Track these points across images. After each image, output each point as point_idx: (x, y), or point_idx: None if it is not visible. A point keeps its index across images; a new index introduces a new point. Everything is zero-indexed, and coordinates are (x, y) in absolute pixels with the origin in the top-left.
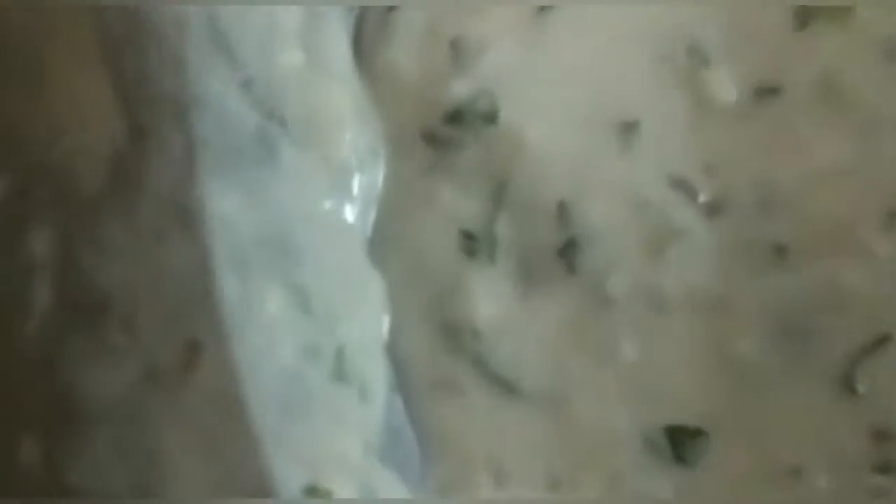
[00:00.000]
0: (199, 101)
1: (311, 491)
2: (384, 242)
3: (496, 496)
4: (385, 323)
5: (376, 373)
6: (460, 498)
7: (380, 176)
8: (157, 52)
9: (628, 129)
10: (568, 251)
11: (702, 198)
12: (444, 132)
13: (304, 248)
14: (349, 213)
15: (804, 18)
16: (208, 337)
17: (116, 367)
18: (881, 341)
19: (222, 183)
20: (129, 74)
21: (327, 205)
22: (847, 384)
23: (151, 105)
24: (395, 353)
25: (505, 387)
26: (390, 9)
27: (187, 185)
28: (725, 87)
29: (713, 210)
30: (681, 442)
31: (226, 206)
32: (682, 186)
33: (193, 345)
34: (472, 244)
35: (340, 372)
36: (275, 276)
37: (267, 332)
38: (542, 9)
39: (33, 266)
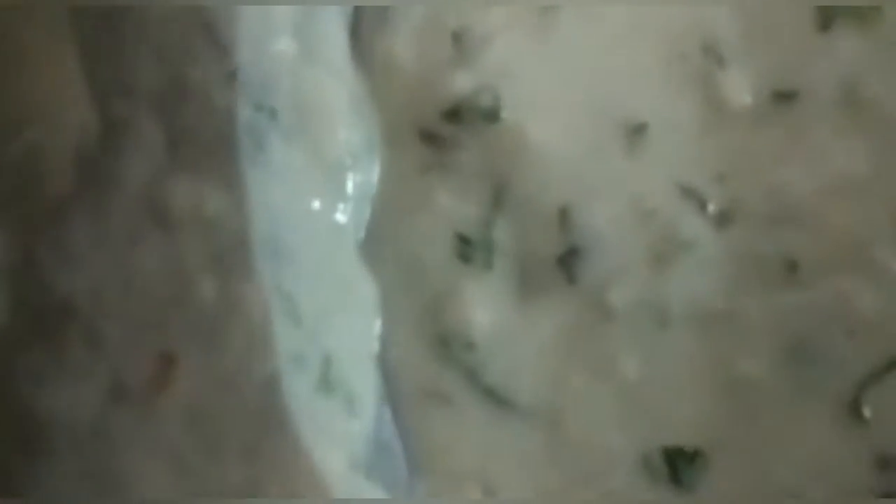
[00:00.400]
0: (180, 91)
1: None
2: (377, 244)
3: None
4: (376, 330)
5: (365, 383)
6: (451, 498)
7: (374, 174)
8: (136, 38)
9: (636, 131)
10: (568, 259)
11: (711, 207)
12: (442, 130)
13: (291, 249)
14: (341, 213)
15: (827, 19)
16: (184, 348)
17: (79, 385)
18: (892, 365)
19: (204, 180)
20: (103, 62)
21: (318, 204)
22: (853, 408)
23: (127, 95)
24: (384, 361)
25: (498, 400)
26: None
27: (165, 182)
28: (740, 90)
29: (722, 221)
30: (678, 463)
31: (207, 204)
32: (691, 194)
33: (166, 357)
34: (469, 249)
35: (327, 382)
36: (261, 279)
37: (249, 340)
38: None
39: None
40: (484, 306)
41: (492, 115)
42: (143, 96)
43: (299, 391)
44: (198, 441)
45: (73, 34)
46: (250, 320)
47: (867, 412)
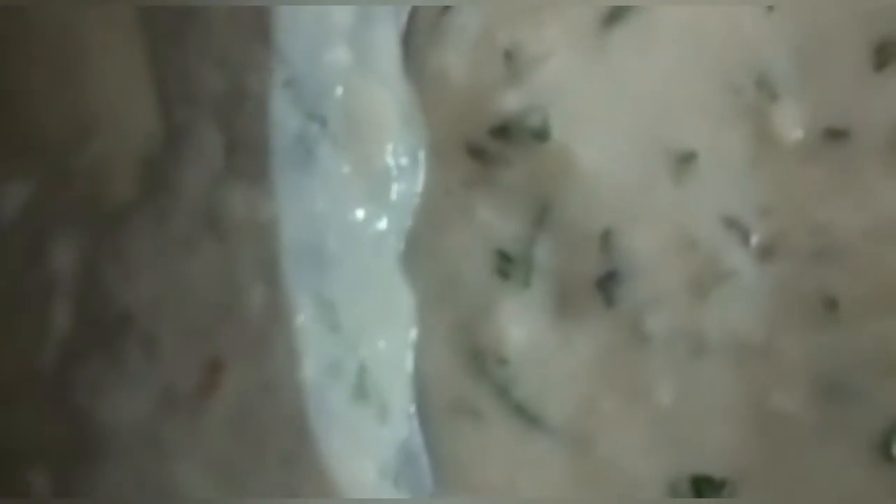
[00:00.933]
0: (239, 98)
1: None
2: (417, 256)
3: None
4: (411, 340)
5: (398, 392)
6: (461, 498)
7: (418, 185)
8: (201, 45)
9: (685, 160)
10: (607, 283)
11: (754, 240)
12: (489, 146)
13: (335, 257)
14: (384, 223)
15: (883, 58)
16: (231, 355)
17: (134, 392)
18: None
19: (256, 187)
20: (170, 68)
21: (361, 213)
22: (883, 449)
23: (190, 102)
24: (417, 371)
25: (528, 417)
26: (444, 11)
27: (221, 189)
28: (792, 125)
29: (765, 254)
30: (706, 493)
31: (259, 211)
32: (735, 226)
33: (215, 364)
34: (508, 265)
35: (361, 390)
36: (304, 287)
37: (291, 348)
38: (607, 23)
39: (53, 283)
40: (519, 323)
41: (540, 135)
42: (205, 103)
43: (335, 398)
44: (241, 447)
45: (142, 41)
46: (293, 328)
47: None
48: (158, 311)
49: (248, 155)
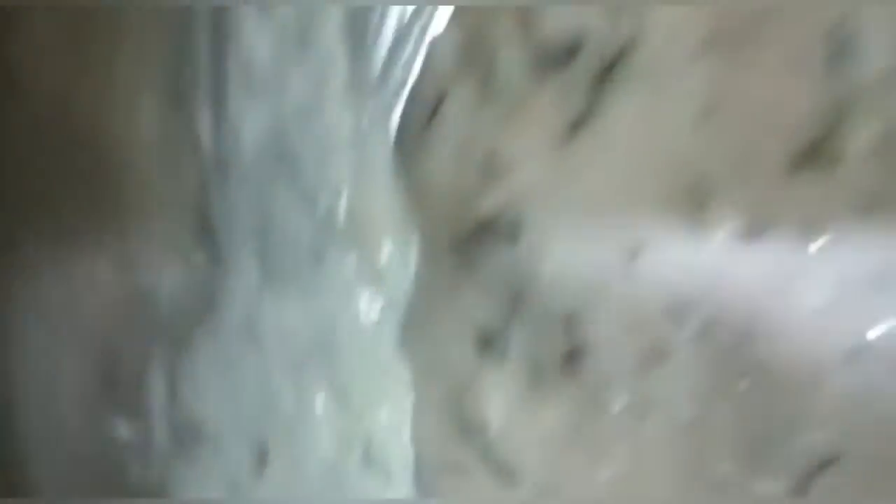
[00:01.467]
0: (268, 219)
1: None
2: (411, 338)
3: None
4: (408, 411)
5: (398, 457)
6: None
7: (411, 276)
8: (238, 180)
9: (635, 252)
10: (571, 359)
11: (692, 324)
12: (470, 243)
13: (343, 347)
14: (383, 311)
15: (797, 162)
16: (272, 445)
17: (209, 485)
18: (830, 462)
19: (282, 295)
20: (214, 205)
21: (363, 304)
22: (803, 489)
23: (231, 233)
24: (414, 438)
25: (506, 474)
26: (431, 120)
27: (258, 304)
28: (724, 222)
29: (700, 336)
30: None
31: (285, 317)
32: (675, 312)
33: (262, 453)
34: (488, 345)
35: (368, 458)
36: (321, 378)
37: (314, 431)
38: (572, 130)
39: (152, 409)
40: (498, 394)
41: (513, 236)
42: (244, 231)
43: (348, 469)
44: None
45: (195, 181)
46: (315, 416)
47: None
48: (221, 416)
49: (275, 269)
